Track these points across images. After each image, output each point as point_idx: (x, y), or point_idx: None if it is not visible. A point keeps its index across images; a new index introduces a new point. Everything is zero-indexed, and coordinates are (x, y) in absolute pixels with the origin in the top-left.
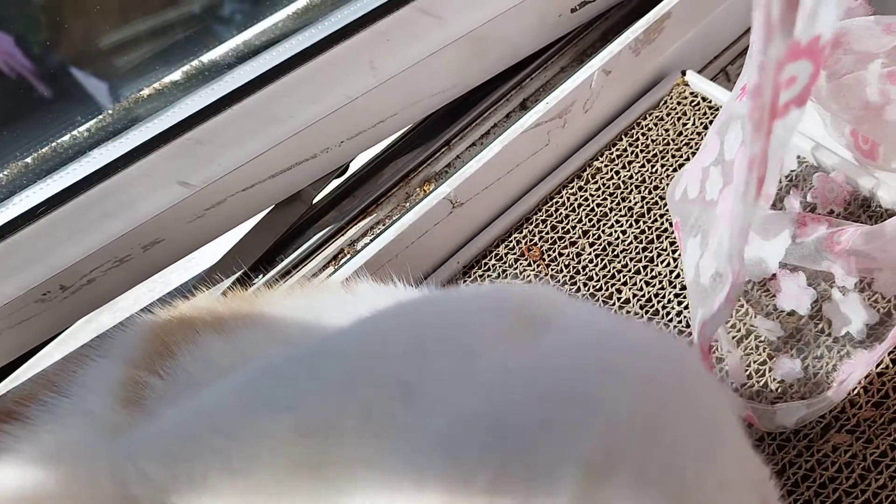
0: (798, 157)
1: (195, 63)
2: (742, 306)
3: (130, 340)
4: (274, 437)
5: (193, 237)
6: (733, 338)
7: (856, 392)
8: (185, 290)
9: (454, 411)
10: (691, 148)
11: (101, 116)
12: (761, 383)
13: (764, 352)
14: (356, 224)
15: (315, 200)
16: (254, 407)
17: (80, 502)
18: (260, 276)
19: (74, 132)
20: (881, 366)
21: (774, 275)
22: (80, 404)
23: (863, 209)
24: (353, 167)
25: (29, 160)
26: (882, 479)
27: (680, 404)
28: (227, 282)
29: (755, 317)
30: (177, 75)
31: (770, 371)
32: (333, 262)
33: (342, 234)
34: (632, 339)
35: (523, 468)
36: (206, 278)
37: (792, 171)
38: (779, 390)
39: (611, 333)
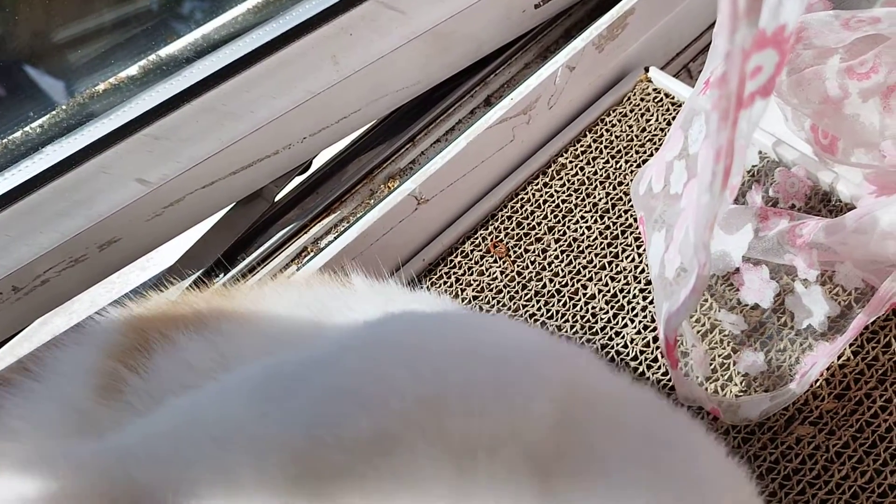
0: (759, 152)
1: (152, 57)
2: (706, 300)
3: (106, 331)
4: (283, 450)
5: (152, 236)
6: (697, 332)
7: (818, 384)
8: (144, 291)
9: None
10: (655, 144)
11: (54, 112)
12: (726, 377)
13: (728, 345)
14: (319, 222)
15: (277, 198)
16: (261, 417)
17: None
18: (221, 276)
19: (26, 128)
20: (842, 358)
21: (738, 269)
22: (53, 390)
23: (823, 203)
24: (316, 164)
25: None
26: (845, 469)
27: None
28: (187, 281)
29: (719, 311)
30: (133, 70)
31: (734, 364)
32: (296, 261)
33: (305, 232)
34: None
35: None
36: (165, 278)
37: (754, 166)
38: (743, 383)
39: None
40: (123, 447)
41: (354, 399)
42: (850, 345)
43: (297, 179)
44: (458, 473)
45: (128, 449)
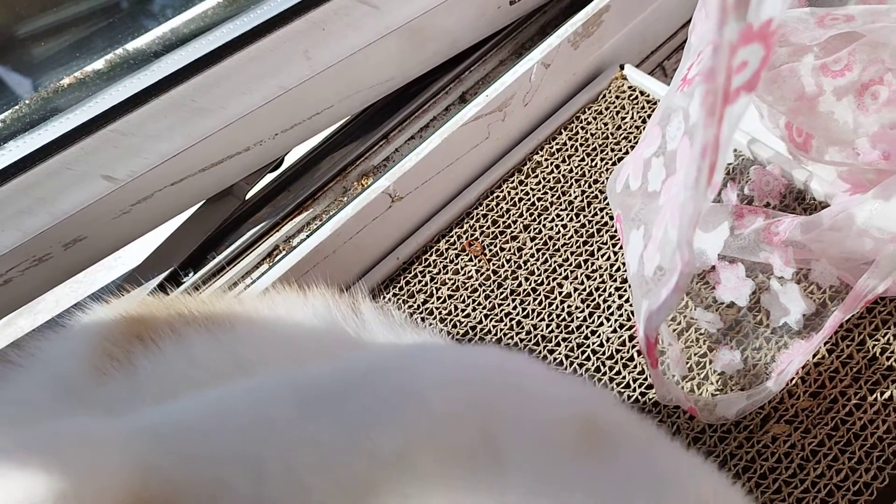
0: (735, 150)
1: (119, 51)
2: (682, 299)
3: (101, 321)
4: (327, 455)
5: (119, 234)
6: (674, 330)
7: (794, 382)
8: (110, 291)
9: None
10: (630, 142)
11: (17, 107)
12: (702, 375)
13: (704, 344)
14: (291, 220)
15: (248, 195)
16: (298, 421)
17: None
18: (190, 275)
19: None
20: (818, 356)
21: (714, 266)
22: (42, 372)
23: (797, 201)
24: (288, 161)
25: None
26: (820, 468)
27: None
28: (156, 280)
29: (695, 309)
30: (100, 64)
31: (710, 363)
32: (268, 260)
33: (277, 231)
34: None
35: None
36: (133, 277)
37: (729, 164)
38: (719, 382)
39: None
40: (152, 430)
41: (391, 415)
42: (825, 343)
43: (269, 177)
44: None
45: (159, 433)
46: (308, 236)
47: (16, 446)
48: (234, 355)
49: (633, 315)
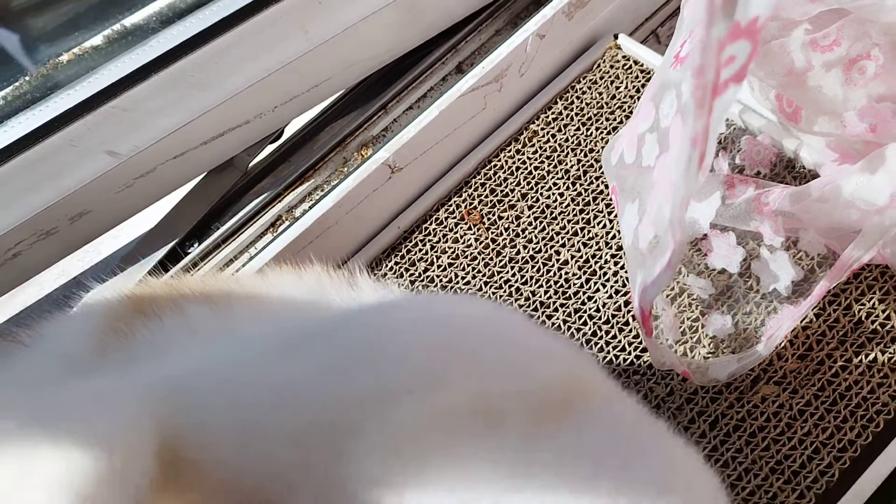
0: (727, 119)
1: (117, 27)
2: (675, 273)
3: (105, 301)
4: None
5: (123, 207)
6: (667, 296)
7: (782, 345)
8: (114, 264)
9: None
10: (624, 111)
11: (17, 84)
12: (695, 339)
13: (696, 309)
14: (293, 190)
15: (249, 167)
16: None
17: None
18: (195, 246)
19: None
20: (805, 320)
21: (706, 235)
22: (48, 348)
23: (787, 170)
24: (288, 132)
25: None
26: (807, 426)
27: None
28: (161, 251)
29: (688, 275)
30: (98, 40)
31: (703, 327)
32: (271, 230)
33: (279, 201)
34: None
35: None
36: (138, 248)
37: (721, 133)
38: (711, 345)
39: None
40: (169, 381)
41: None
42: (812, 308)
43: (270, 148)
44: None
45: (175, 385)
46: (310, 207)
47: (38, 419)
48: (231, 329)
49: (628, 282)
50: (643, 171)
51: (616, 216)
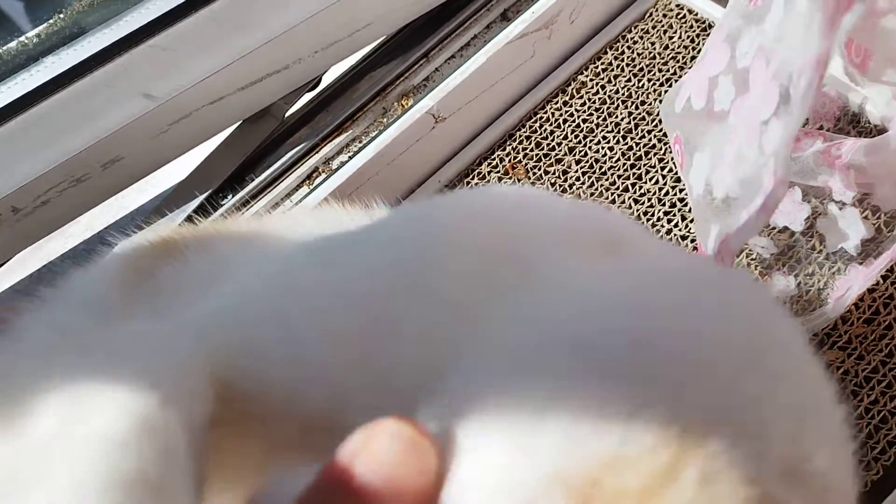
0: None
1: None
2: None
3: (134, 244)
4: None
5: (156, 155)
6: None
7: (847, 309)
8: (146, 214)
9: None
10: (678, 62)
11: (51, 20)
12: None
13: (757, 269)
14: (330, 141)
15: (286, 115)
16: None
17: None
18: (229, 197)
19: (22, 38)
20: (871, 282)
21: None
22: (81, 295)
23: (852, 125)
24: (327, 80)
25: None
26: (874, 394)
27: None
28: (194, 202)
29: None
30: None
31: None
32: (307, 182)
33: (316, 152)
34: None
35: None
36: (169, 200)
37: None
38: None
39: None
40: (216, 316)
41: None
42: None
43: (307, 96)
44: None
45: (223, 317)
46: (350, 158)
47: (85, 363)
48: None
49: (682, 240)
50: (716, 116)
51: (670, 171)
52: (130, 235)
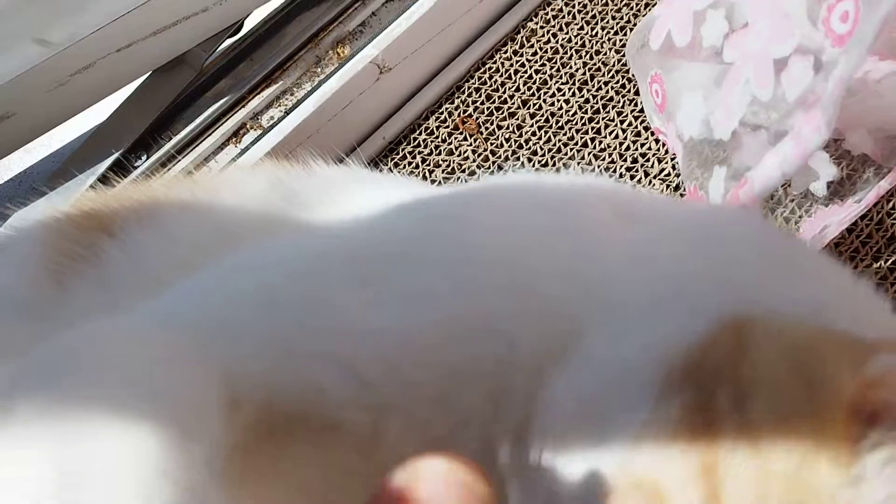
0: None
1: None
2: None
3: (43, 223)
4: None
5: (55, 110)
6: None
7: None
8: (32, 180)
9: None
10: (631, 9)
11: None
12: None
13: None
14: (258, 94)
15: (205, 64)
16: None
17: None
18: (142, 158)
19: None
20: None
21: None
22: None
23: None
24: (249, 25)
25: None
26: None
27: None
28: (102, 166)
29: None
30: None
31: None
32: (234, 140)
33: (242, 106)
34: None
35: None
36: (69, 162)
37: None
38: None
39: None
40: (215, 316)
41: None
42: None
43: (228, 42)
44: None
45: (219, 326)
46: (285, 114)
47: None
48: (220, 229)
49: None
50: (705, 53)
51: (630, 125)
52: (27, 205)
